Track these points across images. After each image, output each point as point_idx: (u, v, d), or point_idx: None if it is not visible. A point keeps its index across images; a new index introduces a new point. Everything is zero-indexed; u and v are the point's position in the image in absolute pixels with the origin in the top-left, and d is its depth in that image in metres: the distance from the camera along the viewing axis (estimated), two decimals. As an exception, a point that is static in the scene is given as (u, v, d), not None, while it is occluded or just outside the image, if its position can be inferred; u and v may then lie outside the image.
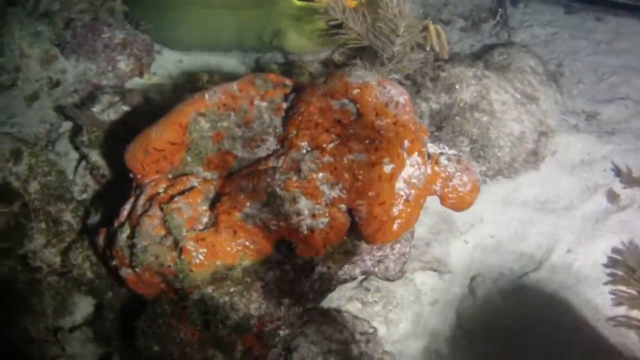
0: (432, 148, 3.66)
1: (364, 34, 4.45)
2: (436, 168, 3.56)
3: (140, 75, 5.25)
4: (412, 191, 3.38)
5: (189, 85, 4.97)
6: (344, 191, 3.25)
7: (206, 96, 3.47)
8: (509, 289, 4.33)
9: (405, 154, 3.36)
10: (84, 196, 4.53)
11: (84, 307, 4.16)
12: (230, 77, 4.84)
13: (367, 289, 4.29)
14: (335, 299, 4.18)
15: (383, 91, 3.32)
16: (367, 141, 3.28)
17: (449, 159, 3.61)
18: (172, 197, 3.39)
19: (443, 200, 3.65)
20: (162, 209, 3.31)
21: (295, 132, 3.37)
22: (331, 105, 3.33)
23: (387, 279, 3.97)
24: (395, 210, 3.34)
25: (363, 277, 4.08)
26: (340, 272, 3.66)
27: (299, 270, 3.50)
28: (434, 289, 4.48)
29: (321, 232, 3.23)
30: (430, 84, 4.49)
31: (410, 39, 4.37)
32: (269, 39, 5.16)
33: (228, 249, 3.21)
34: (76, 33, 5.10)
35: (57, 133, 4.91)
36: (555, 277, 4.37)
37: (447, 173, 3.59)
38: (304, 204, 3.24)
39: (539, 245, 4.40)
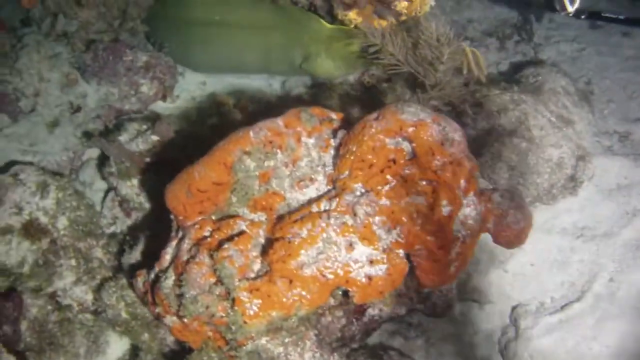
0: (483, 183, 3.43)
1: (403, 59, 4.19)
2: (489, 205, 3.33)
3: (164, 98, 5.00)
4: (468, 232, 3.16)
5: (214, 109, 4.67)
6: (402, 236, 3.03)
7: (251, 133, 3.22)
8: (553, 321, 4.06)
9: (461, 194, 3.13)
10: (113, 229, 4.26)
11: (117, 347, 3.90)
12: (257, 101, 4.63)
13: (409, 324, 4.06)
14: (377, 334, 3.92)
15: (438, 129, 3.10)
16: (424, 182, 3.05)
17: (502, 196, 3.39)
18: (220, 242, 3.14)
19: (496, 238, 3.43)
20: (211, 256, 3.07)
21: (347, 172, 3.14)
22: (385, 144, 3.08)
23: (435, 315, 3.75)
24: (453, 253, 3.13)
25: (406, 312, 3.83)
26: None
27: (350, 314, 3.27)
28: (473, 320, 4.21)
29: (380, 280, 3.01)
30: (470, 110, 4.25)
31: (453, 65, 4.12)
32: (298, 62, 4.90)
33: (284, 299, 2.98)
34: (97, 55, 4.84)
35: (80, 161, 4.65)
36: (599, 306, 4.05)
37: (500, 210, 3.36)
38: (361, 250, 3.00)
39: (581, 274, 4.16)
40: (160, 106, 5.00)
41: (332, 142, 3.34)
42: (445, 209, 3.03)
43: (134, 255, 3.80)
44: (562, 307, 4.16)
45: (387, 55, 4.31)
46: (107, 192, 4.40)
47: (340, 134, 3.31)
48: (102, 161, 4.40)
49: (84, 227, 3.99)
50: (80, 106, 4.83)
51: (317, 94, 4.94)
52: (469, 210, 3.18)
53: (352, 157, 3.15)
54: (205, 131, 4.38)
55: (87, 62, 4.88)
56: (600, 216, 4.49)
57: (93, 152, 4.69)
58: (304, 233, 3.04)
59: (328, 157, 3.30)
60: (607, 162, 4.70)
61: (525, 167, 4.33)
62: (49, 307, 3.83)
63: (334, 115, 3.46)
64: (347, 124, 3.41)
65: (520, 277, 4.34)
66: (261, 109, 4.73)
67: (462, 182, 3.18)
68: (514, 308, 4.25)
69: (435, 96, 4.20)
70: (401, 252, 3.05)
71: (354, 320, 3.29)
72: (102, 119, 4.77)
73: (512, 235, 3.43)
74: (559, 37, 6.27)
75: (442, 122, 3.17)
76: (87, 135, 4.68)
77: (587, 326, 4.01)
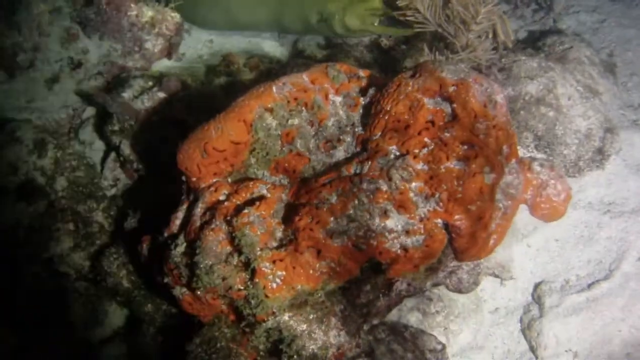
0: (520, 151, 3.01)
1: (432, 17, 3.74)
2: (529, 175, 2.92)
3: (169, 56, 4.53)
4: (509, 202, 2.76)
5: (223, 68, 4.22)
6: (441, 204, 2.60)
7: (274, 88, 2.80)
8: (580, 300, 3.67)
9: (504, 161, 2.70)
10: (114, 191, 3.82)
11: (117, 318, 3.46)
12: (268, 60, 4.19)
13: (430, 299, 3.65)
14: (396, 309, 3.52)
15: (481, 89, 2.68)
16: (465, 147, 2.62)
17: (541, 165, 2.98)
18: (237, 207, 2.70)
19: (534, 210, 3.04)
20: (228, 222, 2.63)
21: (380, 133, 2.73)
22: (424, 104, 2.65)
23: (459, 291, 3.36)
24: (493, 225, 2.70)
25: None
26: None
27: (378, 289, 2.85)
28: (494, 297, 3.81)
29: (416, 251, 2.60)
30: (499, 75, 3.82)
31: (487, 26, 3.68)
32: (314, 20, 4.43)
33: (311, 271, 2.57)
34: (100, 10, 4.39)
35: (80, 119, 4.23)
36: (628, 286, 3.71)
37: (540, 180, 2.95)
38: (396, 219, 2.57)
39: (608, 251, 3.79)
40: (165, 64, 4.51)
41: (362, 101, 2.91)
42: (488, 177, 2.62)
43: (138, 220, 3.34)
44: (589, 286, 3.80)
45: (416, 13, 3.84)
46: (108, 151, 3.93)
47: (371, 92, 2.88)
48: (104, 119, 3.92)
49: (84, 188, 3.56)
50: (81, 62, 4.41)
51: (331, 55, 4.49)
52: (511, 178, 2.78)
53: (386, 117, 2.73)
54: (214, 91, 3.93)
55: (89, 16, 4.44)
56: (628, 192, 4.12)
57: (93, 110, 4.20)
58: (334, 199, 2.62)
59: (357, 116, 2.90)
60: (634, 137, 4.34)
61: (553, 137, 3.95)
62: (45, 275, 3.35)
63: (361, 73, 3.06)
64: (376, 82, 2.97)
65: (544, 252, 3.97)
66: (273, 68, 4.27)
67: (505, 148, 2.77)
68: (537, 285, 3.88)
69: (465, 58, 3.76)
70: (440, 222, 2.64)
71: (380, 295, 2.89)
72: (104, 75, 4.30)
73: (551, 208, 3.04)
74: (579, 7, 5.83)
75: (485, 83, 2.76)
76: (88, 92, 4.17)
77: (616, 307, 3.65)
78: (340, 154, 2.86)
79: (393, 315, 3.60)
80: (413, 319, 3.69)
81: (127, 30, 4.42)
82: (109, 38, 4.42)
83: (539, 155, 3.50)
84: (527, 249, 3.88)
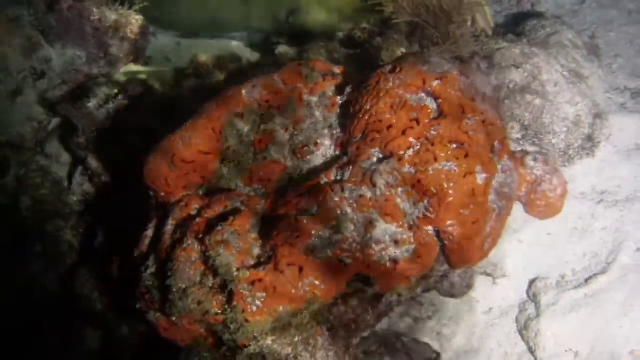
0: (511, 145, 2.73)
1: (411, 7, 3.43)
2: (522, 171, 2.62)
3: (135, 60, 4.18)
4: (504, 202, 2.47)
5: (192, 71, 3.90)
6: (431, 210, 2.31)
7: (244, 92, 2.51)
8: (578, 296, 3.40)
9: (496, 158, 2.41)
10: (82, 207, 3.49)
11: (91, 342, 3.15)
12: (237, 60, 3.89)
13: (420, 303, 3.39)
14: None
15: (467, 82, 2.40)
16: (454, 145, 2.32)
17: (535, 159, 2.70)
18: (210, 222, 2.40)
19: (529, 207, 2.77)
20: (201, 241, 2.32)
21: (360, 135, 2.41)
22: (406, 101, 2.35)
23: (452, 296, 3.09)
24: (488, 228, 2.41)
25: (419, 293, 3.16)
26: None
27: (366, 302, 2.55)
28: (487, 296, 3.54)
29: (407, 263, 2.31)
30: (482, 65, 3.53)
31: (470, 16, 3.38)
32: (284, 16, 4.10)
33: (293, 291, 2.27)
34: (62, 16, 4.02)
35: (45, 132, 3.87)
36: (628, 279, 3.48)
37: (534, 176, 2.67)
38: (383, 229, 2.28)
39: (604, 243, 3.60)
40: (131, 69, 4.18)
41: (339, 100, 2.60)
42: (480, 177, 2.35)
43: (107, 237, 3.03)
44: (587, 281, 3.56)
45: (394, 4, 3.53)
46: (75, 165, 3.60)
47: (349, 90, 2.57)
48: (69, 131, 3.58)
49: (51, 206, 3.20)
50: (44, 72, 4.04)
51: (304, 52, 4.17)
52: (504, 177, 2.50)
53: (366, 117, 2.44)
54: (183, 94, 3.61)
55: (51, 23, 4.11)
56: (620, 179, 3.88)
57: (59, 121, 3.84)
58: (314, 209, 2.32)
59: (334, 117, 2.62)
60: (623, 121, 4.08)
61: (540, 126, 3.69)
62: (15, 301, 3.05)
63: (336, 70, 2.76)
64: (352, 79, 2.66)
65: (537, 247, 3.71)
66: (244, 68, 3.95)
67: (497, 144, 2.48)
68: (532, 282, 3.63)
69: (446, 50, 3.46)
70: (430, 229, 2.36)
71: (369, 308, 2.57)
72: (69, 84, 3.94)
73: (547, 205, 2.76)
74: (556, -11, 5.56)
75: (471, 75, 2.47)
76: (53, 103, 3.84)
77: (616, 302, 3.41)
78: (318, 159, 2.58)
79: (383, 323, 3.33)
80: (404, 326, 3.47)
81: (91, 36, 4.10)
82: (72, 45, 4.10)
83: (530, 148, 3.21)
84: (519, 245, 3.66)
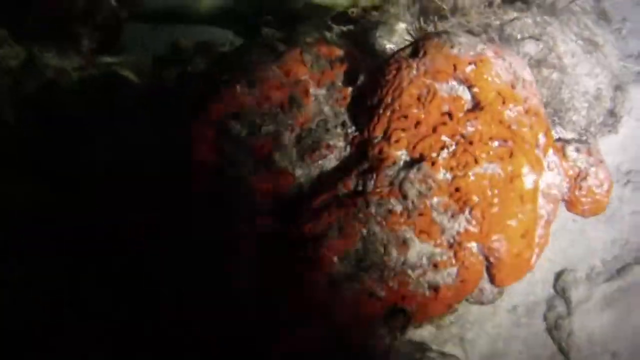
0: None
1: (415, -23, 2.93)
2: (564, 164, 2.11)
3: (109, 50, 3.58)
4: (551, 206, 1.94)
5: (172, 57, 3.34)
6: (473, 222, 1.78)
7: (238, 88, 1.92)
8: (611, 290, 2.96)
9: (541, 154, 1.89)
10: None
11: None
12: (221, 44, 3.35)
13: (442, 310, 2.88)
14: (409, 325, 2.78)
15: (504, 65, 1.85)
16: (496, 143, 1.78)
17: (577, 150, 2.19)
18: None
19: (572, 205, 2.32)
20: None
21: (382, 134, 1.87)
22: (436, 91, 1.81)
23: (481, 303, 2.58)
24: (537, 237, 1.89)
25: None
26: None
27: (397, 329, 2.04)
28: (510, 293, 3.07)
29: (449, 290, 1.79)
30: (497, 39, 3.00)
31: (482, -18, 2.86)
32: (270, -5, 3.56)
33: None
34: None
35: None
36: (665, 268, 3.10)
37: (577, 170, 2.15)
38: (418, 249, 1.76)
39: (635, 229, 3.21)
40: (105, 60, 3.60)
41: (350, 92, 2.04)
42: (527, 180, 1.86)
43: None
44: (619, 272, 3.13)
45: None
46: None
47: (362, 78, 2.03)
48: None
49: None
50: (10, 67, 3.42)
51: (292, 32, 3.60)
52: (552, 175, 2.03)
53: (388, 113, 1.93)
54: (164, 85, 3.06)
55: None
56: (646, 157, 3.38)
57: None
58: (334, 232, 1.76)
59: (346, 112, 2.03)
60: (642, 92, 3.57)
61: (559, 102, 3.22)
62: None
63: (340, 52, 2.17)
64: (361, 63, 2.12)
65: (562, 236, 3.20)
66: (228, 53, 3.40)
67: (541, 138, 1.95)
68: (558, 275, 3.16)
69: (455, 24, 2.91)
70: (474, 245, 1.83)
71: (397, 334, 2.05)
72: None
73: (594, 202, 2.28)
74: (548, -53, 5.03)
75: (507, 56, 1.92)
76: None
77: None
78: (331, 163, 2.05)
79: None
80: (426, 334, 2.95)
81: (60, 25, 3.48)
82: (38, 38, 3.48)
83: (569, 135, 2.70)
84: (542, 233, 3.09)
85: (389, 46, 3.32)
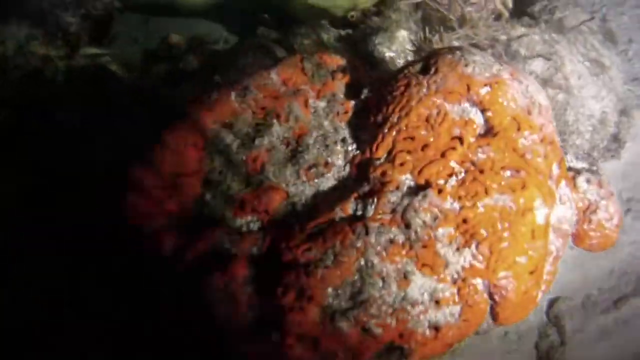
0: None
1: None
2: (574, 195, 1.95)
3: (99, 41, 3.39)
4: (561, 241, 1.78)
5: (162, 53, 3.15)
6: (480, 258, 1.60)
7: (233, 95, 1.75)
8: (607, 322, 2.83)
9: (554, 186, 1.72)
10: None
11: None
12: (214, 42, 3.19)
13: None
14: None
15: (521, 88, 1.67)
16: (508, 173, 1.61)
17: (588, 181, 2.05)
18: (192, 268, 1.67)
19: (579, 240, 2.18)
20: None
21: (385, 155, 1.69)
22: (446, 113, 1.64)
23: (476, 333, 2.43)
24: (545, 274, 1.73)
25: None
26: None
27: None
28: (501, 319, 2.92)
29: (450, 330, 1.62)
30: (504, 55, 2.84)
31: (492, -6, 2.71)
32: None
33: (306, 375, 1.54)
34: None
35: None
36: (666, 300, 3.01)
37: (587, 202, 2.00)
38: (420, 284, 1.59)
39: (634, 259, 3.09)
40: (93, 51, 3.41)
41: (352, 106, 1.86)
42: (539, 213, 1.70)
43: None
44: (616, 303, 3.01)
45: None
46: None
47: (366, 92, 1.86)
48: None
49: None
50: None
51: (287, 34, 3.43)
52: (564, 209, 1.88)
53: (393, 133, 1.77)
54: (153, 83, 2.88)
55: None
56: (648, 186, 3.30)
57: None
58: (329, 259, 1.59)
59: (346, 127, 1.85)
60: (646, 117, 3.47)
61: (563, 124, 3.13)
62: None
63: (343, 61, 2.00)
64: (364, 74, 1.96)
65: (558, 262, 3.01)
66: (220, 52, 3.22)
67: (555, 168, 1.78)
68: (552, 302, 3.03)
69: (462, 36, 2.74)
70: (479, 282, 1.66)
71: None
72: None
73: (602, 236, 2.13)
74: (560, -33, 4.89)
75: (523, 78, 1.75)
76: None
77: (660, 330, 2.86)
78: (328, 182, 1.87)
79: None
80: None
81: (48, 12, 3.28)
82: (27, 23, 3.27)
83: (579, 164, 2.55)
84: (537, 259, 2.94)
85: (389, 54, 3.17)
